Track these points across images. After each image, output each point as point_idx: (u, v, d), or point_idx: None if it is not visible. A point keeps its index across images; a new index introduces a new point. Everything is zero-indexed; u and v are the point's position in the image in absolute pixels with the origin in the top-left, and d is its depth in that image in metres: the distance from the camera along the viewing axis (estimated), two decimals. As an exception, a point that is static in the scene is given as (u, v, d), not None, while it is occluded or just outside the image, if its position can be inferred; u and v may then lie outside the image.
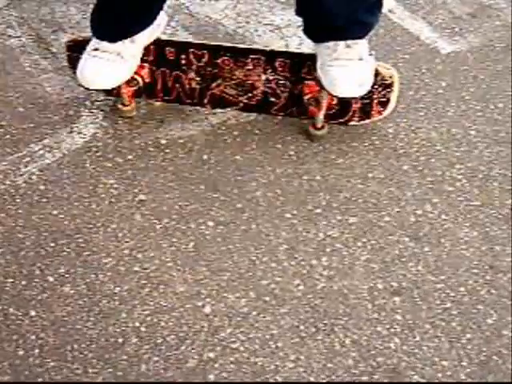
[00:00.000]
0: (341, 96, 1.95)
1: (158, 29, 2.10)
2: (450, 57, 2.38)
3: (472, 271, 1.81)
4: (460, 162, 2.05)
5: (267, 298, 1.75)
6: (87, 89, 2.06)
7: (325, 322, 1.71)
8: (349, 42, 1.93)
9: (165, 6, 2.07)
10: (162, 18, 2.11)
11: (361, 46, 1.95)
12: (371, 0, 1.92)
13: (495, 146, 2.10)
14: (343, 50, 1.93)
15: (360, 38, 1.95)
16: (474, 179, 2.01)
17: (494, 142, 2.11)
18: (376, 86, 2.02)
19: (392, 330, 1.70)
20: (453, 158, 2.06)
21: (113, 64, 1.98)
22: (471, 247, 1.86)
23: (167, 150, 2.08)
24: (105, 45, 1.99)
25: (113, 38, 1.99)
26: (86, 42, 2.05)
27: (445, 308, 1.74)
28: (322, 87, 1.97)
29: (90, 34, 2.04)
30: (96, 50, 2.00)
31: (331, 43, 1.93)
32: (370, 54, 1.98)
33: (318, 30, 1.97)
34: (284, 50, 2.09)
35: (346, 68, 1.92)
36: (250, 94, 2.12)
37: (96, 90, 2.14)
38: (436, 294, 1.76)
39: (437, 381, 1.63)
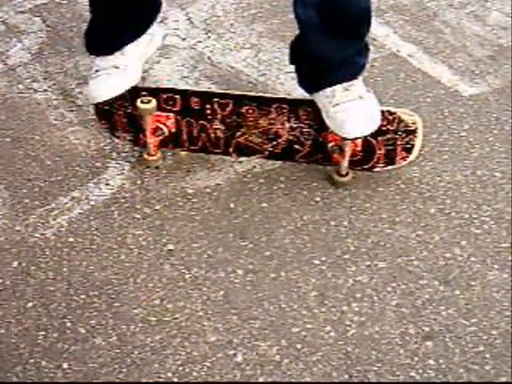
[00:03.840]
0: (356, 137, 1.97)
1: (152, 42, 2.22)
2: (471, 99, 2.39)
3: (504, 313, 1.80)
4: (487, 204, 2.05)
5: (299, 346, 1.75)
6: (96, 105, 2.17)
7: (358, 368, 1.70)
8: (345, 84, 1.96)
9: (157, 19, 2.20)
10: (156, 30, 2.23)
11: (357, 86, 1.98)
12: (361, 44, 1.98)
13: (521, 186, 2.11)
14: (342, 94, 1.95)
15: (354, 78, 1.98)
16: (501, 221, 2.01)
17: (520, 183, 2.12)
18: (400, 133, 2.03)
19: (425, 375, 1.69)
20: (479, 200, 2.06)
21: (111, 76, 2.09)
22: (502, 289, 1.85)
23: (194, 200, 2.09)
24: (101, 64, 2.11)
25: (104, 51, 2.12)
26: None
27: (478, 351, 1.72)
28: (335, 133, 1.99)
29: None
30: (97, 71, 2.11)
31: (328, 90, 1.97)
32: (368, 91, 2.00)
33: (313, 78, 2.01)
34: (306, 98, 2.10)
35: (351, 109, 1.93)
36: (274, 142, 2.14)
37: (104, 102, 2.14)
38: (468, 338, 1.75)
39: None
